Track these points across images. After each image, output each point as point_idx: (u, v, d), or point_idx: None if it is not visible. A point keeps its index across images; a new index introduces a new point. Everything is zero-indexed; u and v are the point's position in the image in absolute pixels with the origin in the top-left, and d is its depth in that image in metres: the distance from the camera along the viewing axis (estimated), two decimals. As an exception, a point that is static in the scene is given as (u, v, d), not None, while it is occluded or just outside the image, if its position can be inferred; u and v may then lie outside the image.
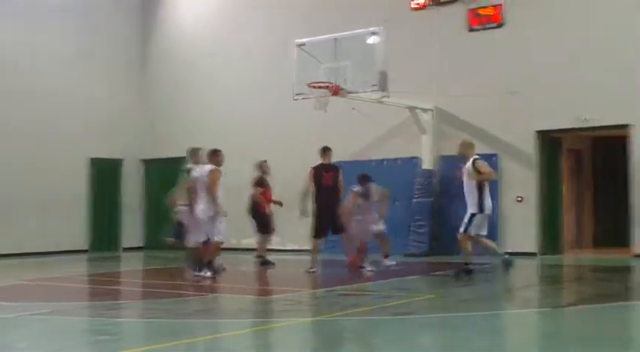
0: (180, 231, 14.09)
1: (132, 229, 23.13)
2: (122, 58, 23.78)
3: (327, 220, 14.62)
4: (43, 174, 21.12)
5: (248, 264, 16.51)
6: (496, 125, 17.98)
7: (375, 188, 14.73)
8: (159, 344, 7.98)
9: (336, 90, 15.95)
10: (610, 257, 17.10)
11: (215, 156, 13.87)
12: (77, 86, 22.28)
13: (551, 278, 14.59)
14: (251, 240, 17.45)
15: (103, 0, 23.51)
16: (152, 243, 22.08)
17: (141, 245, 23.03)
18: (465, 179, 13.58)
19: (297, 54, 16.71)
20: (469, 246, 13.51)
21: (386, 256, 15.15)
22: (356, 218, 14.76)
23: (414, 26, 19.05)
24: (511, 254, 14.63)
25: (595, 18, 17.19)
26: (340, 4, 20.22)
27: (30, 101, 21.31)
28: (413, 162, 18.81)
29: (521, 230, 17.58)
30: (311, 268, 14.48)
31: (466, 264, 13.49)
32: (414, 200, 18.36)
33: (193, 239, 13.71)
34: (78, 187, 21.98)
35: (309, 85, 16.18)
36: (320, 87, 16.07)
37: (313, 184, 14.73)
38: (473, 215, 13.39)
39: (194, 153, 14.32)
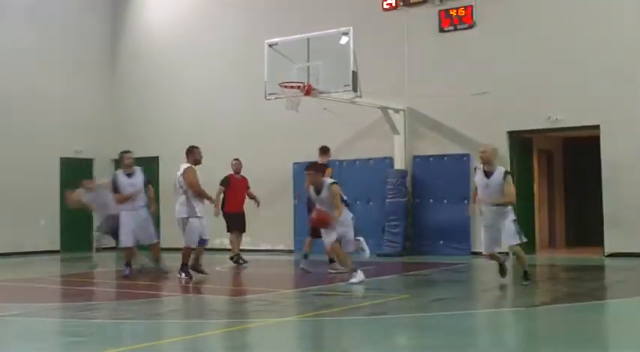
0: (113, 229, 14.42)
1: (103, 229, 22.88)
2: (93, 58, 23.62)
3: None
4: (13, 173, 20.92)
5: (222, 264, 16.45)
6: (468, 125, 18.03)
7: (327, 183, 12.66)
8: (131, 346, 7.91)
9: (308, 90, 15.91)
10: (582, 256, 17.21)
11: (190, 153, 13.82)
12: (47, 86, 22.10)
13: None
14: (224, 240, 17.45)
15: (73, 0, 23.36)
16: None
17: (113, 245, 22.75)
18: (488, 186, 11.56)
19: (269, 54, 16.67)
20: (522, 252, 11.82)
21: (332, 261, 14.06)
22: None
23: (385, 27, 19.07)
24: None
25: (565, 19, 17.31)
26: (312, 4, 20.20)
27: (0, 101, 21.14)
28: (385, 162, 18.83)
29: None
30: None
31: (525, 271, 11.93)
32: (388, 200, 18.36)
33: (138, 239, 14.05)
34: (49, 187, 21.75)
35: (280, 85, 16.14)
36: (292, 87, 16.04)
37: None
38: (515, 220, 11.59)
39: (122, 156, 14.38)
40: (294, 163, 19.53)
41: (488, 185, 11.50)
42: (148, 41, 23.45)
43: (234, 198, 16.46)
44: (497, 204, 11.45)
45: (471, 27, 18.28)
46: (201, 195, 13.64)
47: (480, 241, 12.32)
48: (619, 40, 16.72)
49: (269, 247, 19.81)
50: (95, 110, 23.26)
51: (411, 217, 18.46)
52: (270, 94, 16.60)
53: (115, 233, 14.61)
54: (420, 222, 18.44)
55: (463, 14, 18.34)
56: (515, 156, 17.97)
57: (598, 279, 13.69)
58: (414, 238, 18.37)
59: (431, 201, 18.37)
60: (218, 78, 21.69)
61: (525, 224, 18.03)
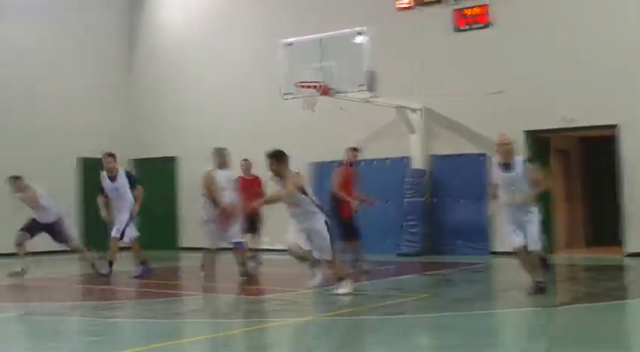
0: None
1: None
2: (110, 57, 23.67)
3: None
4: (31, 173, 20.91)
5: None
6: (484, 125, 17.92)
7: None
8: (153, 345, 7.92)
9: (325, 90, 15.89)
10: (601, 256, 17.10)
11: (215, 156, 13.69)
12: (63, 84, 22.17)
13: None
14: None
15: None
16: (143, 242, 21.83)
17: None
18: (509, 181, 10.83)
19: (285, 54, 16.66)
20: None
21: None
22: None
23: (400, 26, 18.99)
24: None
25: (582, 18, 17.20)
26: (326, 4, 20.15)
27: (20, 100, 21.32)
28: (403, 161, 18.77)
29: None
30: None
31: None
32: (406, 200, 18.31)
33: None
34: (66, 187, 21.76)
35: (296, 85, 16.12)
36: (308, 86, 16.01)
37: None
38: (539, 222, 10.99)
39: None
40: (309, 163, 19.39)
41: (510, 179, 10.65)
42: (164, 39, 23.46)
43: (245, 200, 16.19)
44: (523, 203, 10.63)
45: (486, 26, 18.19)
46: (213, 200, 13.43)
47: (506, 239, 11.61)
48: (634, 39, 16.62)
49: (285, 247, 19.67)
50: (111, 108, 23.30)
51: (429, 216, 18.40)
52: (286, 94, 16.59)
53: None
54: (438, 222, 18.38)
55: (478, 13, 18.28)
56: (533, 155, 17.82)
57: (618, 279, 13.62)
58: (432, 238, 18.31)
59: (448, 200, 18.31)
60: (234, 78, 21.68)
61: (544, 224, 17.98)
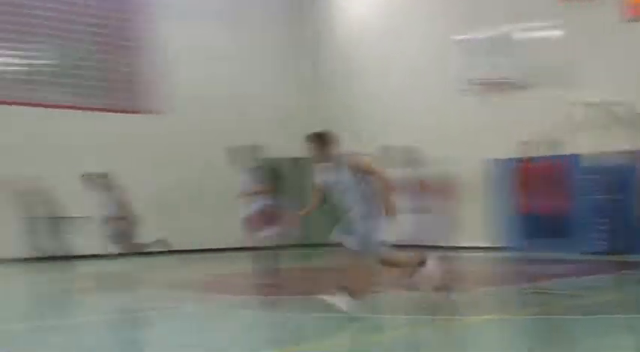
0: None
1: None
2: (294, 56, 24.65)
3: None
4: (221, 172, 21.67)
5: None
6: None
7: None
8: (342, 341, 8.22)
9: (506, 86, 15.70)
10: None
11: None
12: (248, 84, 23.29)
13: None
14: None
15: (277, 3, 24.48)
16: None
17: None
18: None
19: (464, 49, 16.60)
20: None
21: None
22: None
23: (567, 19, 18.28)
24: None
25: None
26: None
27: (217, 103, 22.59)
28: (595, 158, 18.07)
29: None
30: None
31: None
32: (595, 197, 17.78)
33: None
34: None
35: (476, 81, 16.01)
36: (489, 83, 15.89)
37: None
38: None
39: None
40: (493, 159, 19.08)
41: None
42: (347, 41, 24.00)
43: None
44: None
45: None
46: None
47: None
48: None
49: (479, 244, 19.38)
50: (299, 108, 23.93)
51: (620, 214, 17.76)
52: (464, 90, 16.50)
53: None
54: (629, 219, 17.71)
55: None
56: None
57: None
58: (622, 236, 17.68)
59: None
60: (413, 74, 21.78)
61: None
